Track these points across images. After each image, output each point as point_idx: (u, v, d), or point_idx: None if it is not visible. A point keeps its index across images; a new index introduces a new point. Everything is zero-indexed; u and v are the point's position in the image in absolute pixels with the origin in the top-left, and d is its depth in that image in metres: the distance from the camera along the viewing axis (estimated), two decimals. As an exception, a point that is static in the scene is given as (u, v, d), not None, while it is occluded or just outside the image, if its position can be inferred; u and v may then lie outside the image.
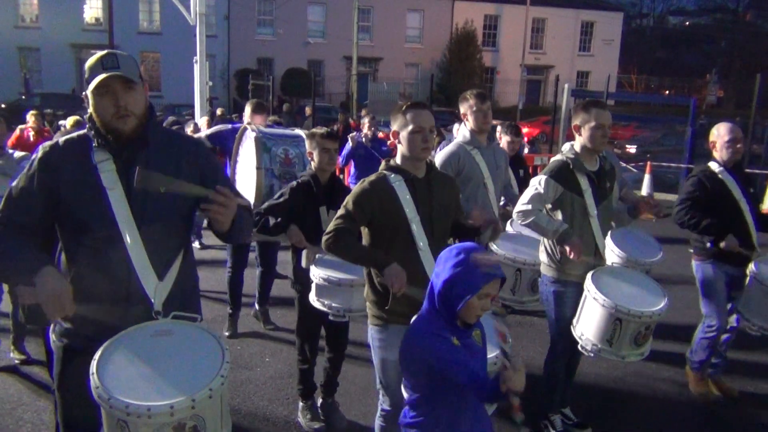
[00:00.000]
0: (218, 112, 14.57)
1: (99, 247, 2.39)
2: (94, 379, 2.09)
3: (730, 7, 64.56)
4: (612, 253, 4.55)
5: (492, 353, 2.75)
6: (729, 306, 4.58)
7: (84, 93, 2.42)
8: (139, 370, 2.16)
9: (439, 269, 2.44)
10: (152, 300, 2.40)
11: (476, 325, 2.51)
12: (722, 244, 4.24)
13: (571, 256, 3.65)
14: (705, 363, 4.73)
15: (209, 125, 10.17)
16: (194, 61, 13.61)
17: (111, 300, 2.41)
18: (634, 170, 14.70)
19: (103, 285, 2.40)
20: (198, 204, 2.57)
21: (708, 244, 4.47)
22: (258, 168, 4.80)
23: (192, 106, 15.04)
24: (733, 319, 4.65)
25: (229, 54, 37.03)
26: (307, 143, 4.22)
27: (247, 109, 6.08)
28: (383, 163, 3.23)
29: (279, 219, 4.08)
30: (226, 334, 5.60)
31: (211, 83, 14.27)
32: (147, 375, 2.14)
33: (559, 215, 3.81)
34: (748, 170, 5.39)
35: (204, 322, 2.53)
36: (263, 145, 4.87)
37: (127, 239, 2.37)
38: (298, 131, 5.28)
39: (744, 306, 4.33)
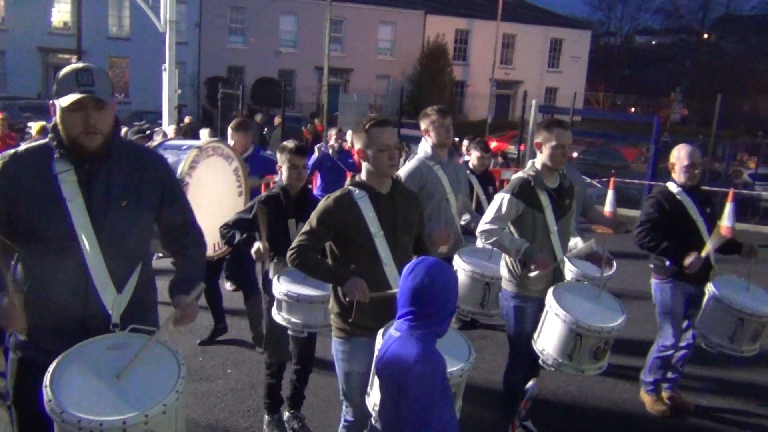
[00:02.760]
0: (186, 120, 14.41)
1: (56, 258, 2.37)
2: (47, 393, 2.07)
3: (695, 28, 66.19)
4: (567, 271, 4.63)
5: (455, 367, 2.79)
6: (686, 323, 4.69)
7: (52, 102, 2.40)
8: (94, 384, 2.14)
9: (431, 282, 2.45)
10: (110, 312, 2.39)
11: None
12: (686, 262, 4.30)
13: (538, 272, 3.71)
14: (659, 383, 4.83)
15: (177, 134, 10.12)
16: (163, 68, 13.50)
17: (68, 312, 2.40)
18: (599, 185, 14.93)
19: (60, 297, 2.39)
20: (158, 216, 2.59)
21: (667, 263, 4.57)
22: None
23: (160, 113, 14.89)
24: (689, 335, 4.76)
25: (199, 61, 36.75)
26: (278, 156, 4.23)
27: (229, 130, 5.93)
28: (349, 178, 3.27)
29: (245, 234, 4.07)
30: (197, 341, 5.57)
31: (179, 91, 14.15)
32: (101, 389, 2.12)
33: (519, 233, 3.88)
34: (708, 188, 5.52)
35: (171, 334, 2.54)
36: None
37: (86, 251, 2.36)
38: (194, 142, 5.12)
39: (701, 324, 4.41)
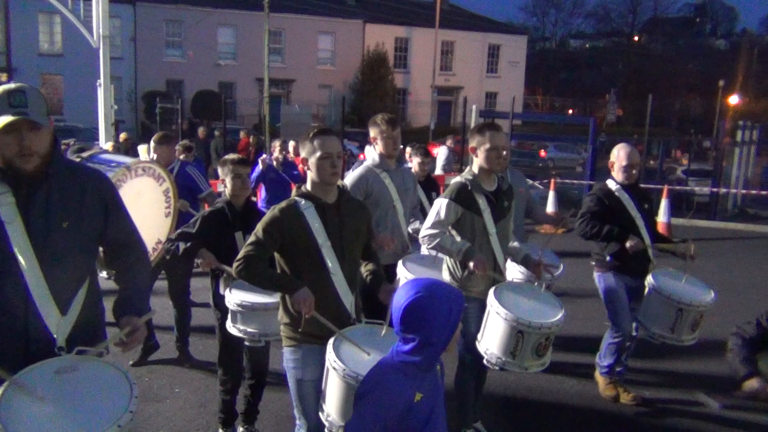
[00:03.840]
0: (121, 137, 14.03)
1: None
2: (-4, 424, 2.01)
3: (625, 31, 68.49)
4: (515, 270, 4.72)
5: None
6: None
7: None
8: (44, 410, 2.08)
9: (428, 306, 2.19)
10: (54, 335, 2.34)
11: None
12: (628, 245, 4.46)
13: (478, 271, 3.78)
14: (613, 366, 4.95)
15: (115, 151, 9.87)
16: (98, 83, 13.18)
17: (9, 336, 2.34)
18: (541, 187, 15.26)
19: (1, 321, 2.33)
20: (102, 234, 2.56)
21: (607, 258, 4.71)
22: None
23: (96, 130, 14.53)
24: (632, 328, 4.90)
25: (136, 76, 36.07)
26: (219, 170, 4.19)
27: (151, 143, 5.84)
28: (294, 189, 3.26)
29: (189, 244, 4.03)
30: (130, 362, 5.44)
31: (116, 106, 13.80)
32: (52, 414, 2.07)
33: (459, 235, 3.94)
34: (643, 185, 5.71)
35: (111, 355, 2.48)
36: None
37: (27, 274, 2.31)
38: (126, 160, 5.01)
39: (643, 316, 4.57)
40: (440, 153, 14.31)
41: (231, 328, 3.85)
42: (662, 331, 4.45)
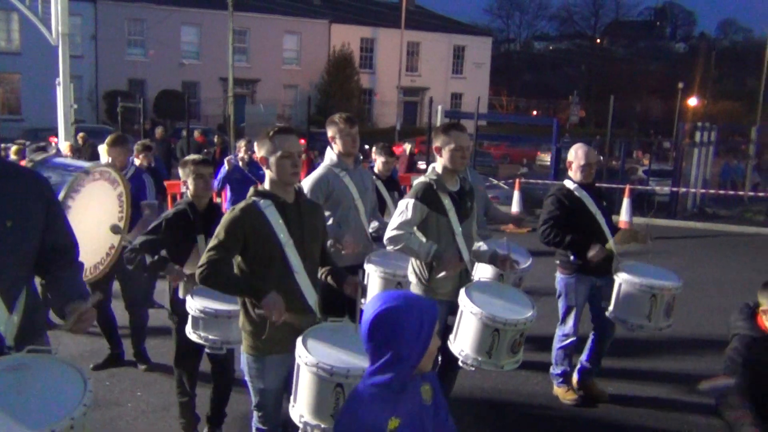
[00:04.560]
0: (79, 137, 13.67)
1: None
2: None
3: (588, 34, 69.59)
4: (484, 266, 4.74)
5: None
6: (595, 314, 4.90)
7: None
8: None
9: (395, 317, 2.03)
10: (2, 334, 2.32)
11: (426, 377, 2.21)
12: (590, 254, 4.51)
13: (448, 271, 3.77)
14: (568, 374, 5.01)
15: (72, 151, 9.68)
16: (57, 82, 12.92)
17: None
18: (505, 187, 15.39)
19: None
20: (45, 236, 2.52)
21: (572, 258, 4.76)
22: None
23: (55, 130, 14.22)
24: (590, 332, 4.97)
25: (97, 75, 35.39)
26: (180, 171, 4.11)
27: (105, 146, 5.63)
28: (252, 189, 3.21)
29: (155, 256, 3.95)
30: (91, 366, 5.34)
31: (75, 106, 13.55)
32: (4, 409, 2.02)
33: (425, 236, 3.93)
34: (605, 185, 5.80)
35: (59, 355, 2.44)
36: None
37: None
38: (83, 164, 4.89)
39: (618, 309, 4.65)
40: None
41: (191, 334, 3.77)
42: (639, 321, 4.54)
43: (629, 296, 4.58)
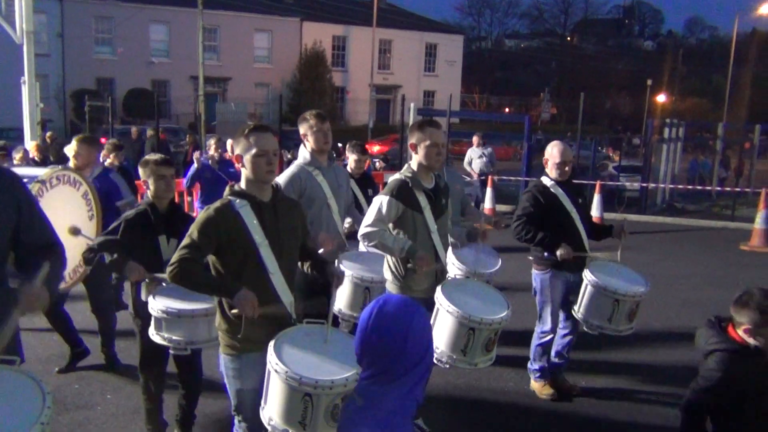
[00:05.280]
0: (47, 136, 13.42)
1: None
2: None
3: (558, 32, 70.27)
4: (453, 267, 4.74)
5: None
6: (562, 315, 4.93)
7: None
8: None
9: (406, 329, 1.83)
10: None
11: None
12: (558, 253, 4.55)
13: (422, 268, 3.76)
14: (545, 370, 5.04)
15: (39, 150, 9.49)
16: (22, 81, 12.65)
17: None
18: (477, 184, 15.44)
19: None
20: (23, 236, 2.46)
21: (545, 254, 4.78)
22: None
23: (21, 130, 13.94)
24: (569, 323, 4.99)
25: (64, 73, 34.77)
26: (140, 171, 4.01)
27: (74, 142, 5.50)
28: (227, 188, 3.16)
29: (115, 255, 3.85)
30: (56, 369, 5.23)
31: (42, 105, 13.26)
32: None
33: (401, 233, 3.91)
34: (577, 181, 5.84)
35: (25, 363, 2.35)
36: None
37: None
38: (37, 173, 4.67)
39: (582, 308, 4.69)
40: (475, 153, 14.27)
41: (154, 335, 3.69)
42: (600, 322, 4.59)
43: (592, 298, 4.61)
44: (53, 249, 2.59)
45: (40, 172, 4.69)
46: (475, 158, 14.19)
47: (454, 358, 3.68)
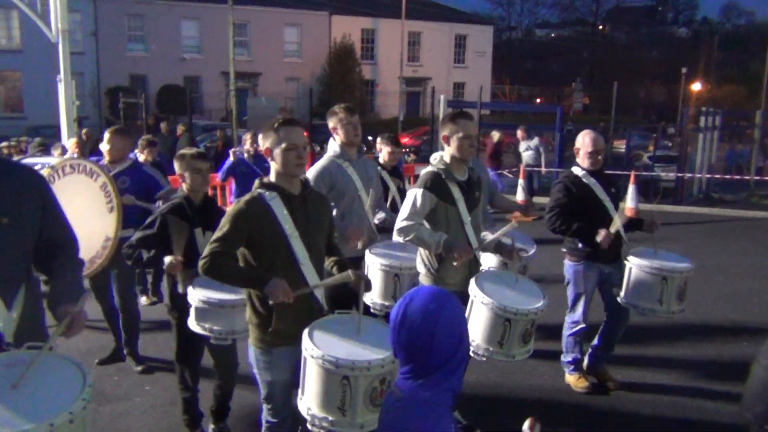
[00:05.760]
0: (84, 133, 13.62)
1: None
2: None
3: (590, 21, 69.18)
4: (489, 257, 4.71)
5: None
6: (607, 301, 4.90)
7: None
8: None
9: (434, 325, 1.85)
10: (1, 331, 2.32)
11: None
12: (598, 238, 4.48)
13: (459, 260, 3.74)
14: (579, 361, 4.99)
15: (78, 147, 9.65)
16: (58, 79, 12.89)
17: None
18: (510, 176, 15.33)
19: None
20: (42, 232, 2.52)
21: (579, 245, 4.73)
22: None
23: (57, 127, 14.21)
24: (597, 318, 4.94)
25: (98, 71, 35.37)
26: (176, 165, 4.08)
27: (105, 135, 5.54)
28: (257, 181, 3.19)
29: (153, 250, 3.92)
30: (96, 361, 5.34)
31: (78, 102, 13.50)
32: (4, 405, 2.03)
33: (433, 226, 3.89)
34: (610, 171, 5.77)
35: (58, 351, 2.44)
36: None
37: None
38: (50, 161, 4.81)
39: (629, 295, 4.67)
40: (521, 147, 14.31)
41: (194, 326, 3.75)
42: (651, 305, 4.56)
43: (640, 280, 4.59)
44: (69, 245, 2.67)
45: (53, 161, 4.78)
46: (522, 152, 14.16)
47: (491, 351, 3.65)
